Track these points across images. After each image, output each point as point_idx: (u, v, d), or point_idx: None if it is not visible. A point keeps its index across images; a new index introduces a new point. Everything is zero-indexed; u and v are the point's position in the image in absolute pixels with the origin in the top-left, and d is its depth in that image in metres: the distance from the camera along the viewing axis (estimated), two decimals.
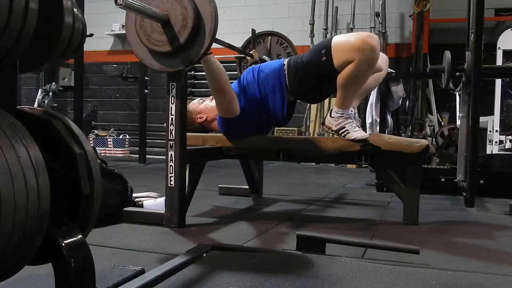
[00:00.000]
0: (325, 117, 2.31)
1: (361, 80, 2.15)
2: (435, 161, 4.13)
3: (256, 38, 2.97)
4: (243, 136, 2.38)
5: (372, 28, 5.75)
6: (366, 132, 2.34)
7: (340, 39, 2.15)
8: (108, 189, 2.08)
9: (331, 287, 1.29)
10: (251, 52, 2.85)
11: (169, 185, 2.03)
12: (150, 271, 1.29)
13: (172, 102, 2.01)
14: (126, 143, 6.54)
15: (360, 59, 2.05)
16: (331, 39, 2.18)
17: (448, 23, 5.54)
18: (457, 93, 4.57)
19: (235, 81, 2.43)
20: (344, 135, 2.19)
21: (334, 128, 2.22)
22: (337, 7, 6.02)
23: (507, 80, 4.69)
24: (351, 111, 2.28)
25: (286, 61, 2.34)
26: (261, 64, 2.46)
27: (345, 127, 2.18)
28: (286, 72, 2.30)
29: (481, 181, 3.10)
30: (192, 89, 6.44)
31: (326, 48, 2.15)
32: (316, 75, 2.23)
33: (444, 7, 5.62)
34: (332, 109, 2.26)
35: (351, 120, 2.20)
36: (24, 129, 0.89)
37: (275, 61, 2.42)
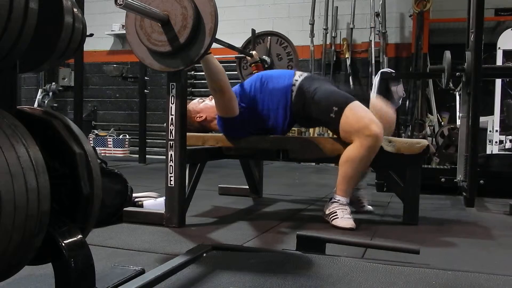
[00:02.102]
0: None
1: (359, 166, 2.12)
2: (435, 161, 4.13)
3: (256, 38, 2.96)
4: (243, 137, 2.38)
5: (372, 28, 5.74)
6: None
7: (353, 112, 2.14)
8: (108, 189, 2.08)
9: (331, 287, 1.29)
10: (251, 52, 2.85)
11: (169, 185, 2.03)
12: (150, 271, 1.29)
13: (172, 102, 2.01)
14: (126, 143, 6.53)
15: (361, 142, 2.07)
16: (349, 102, 2.16)
17: (448, 23, 5.54)
18: (457, 93, 4.57)
19: (239, 84, 2.42)
20: (332, 220, 2.14)
21: (327, 212, 2.18)
22: (337, 7, 6.02)
23: (507, 80, 4.68)
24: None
25: (298, 80, 2.30)
26: (271, 75, 2.39)
27: (336, 212, 2.14)
28: (294, 92, 2.28)
29: (481, 181, 3.09)
30: (192, 89, 6.43)
31: (340, 107, 2.15)
32: (317, 118, 2.25)
33: (444, 7, 5.61)
34: (332, 196, 2.22)
35: (345, 208, 2.15)
36: (24, 129, 0.89)
37: (284, 75, 2.35)
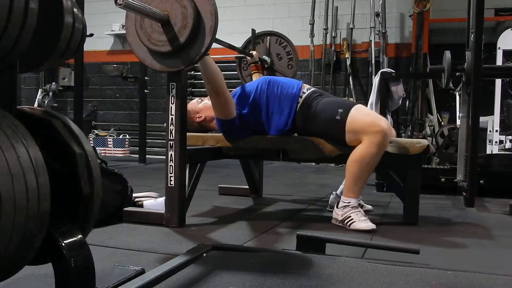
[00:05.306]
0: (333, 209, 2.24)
1: (369, 165, 2.09)
2: (435, 161, 4.13)
3: (256, 38, 2.96)
4: (241, 138, 2.38)
5: (372, 28, 5.74)
6: None
7: (359, 112, 2.15)
8: (108, 189, 2.08)
9: (331, 287, 1.29)
10: (251, 52, 2.85)
11: (169, 185, 2.03)
12: (150, 271, 1.29)
13: (172, 102, 2.01)
14: (126, 143, 6.53)
15: (370, 140, 2.05)
16: (353, 105, 2.19)
17: (448, 23, 5.54)
18: (457, 93, 4.57)
19: (240, 86, 2.41)
20: (349, 225, 2.09)
21: (340, 218, 2.13)
22: (337, 7, 6.02)
23: (507, 80, 4.68)
24: None
25: (306, 93, 2.31)
26: (281, 80, 2.39)
27: (350, 216, 2.10)
28: (300, 103, 2.29)
29: (481, 181, 3.09)
30: (192, 89, 6.43)
31: (345, 109, 2.15)
32: (320, 126, 2.22)
33: (444, 7, 5.61)
34: (339, 201, 2.19)
35: (358, 210, 2.12)
36: (24, 129, 0.89)
37: (293, 84, 2.35)
